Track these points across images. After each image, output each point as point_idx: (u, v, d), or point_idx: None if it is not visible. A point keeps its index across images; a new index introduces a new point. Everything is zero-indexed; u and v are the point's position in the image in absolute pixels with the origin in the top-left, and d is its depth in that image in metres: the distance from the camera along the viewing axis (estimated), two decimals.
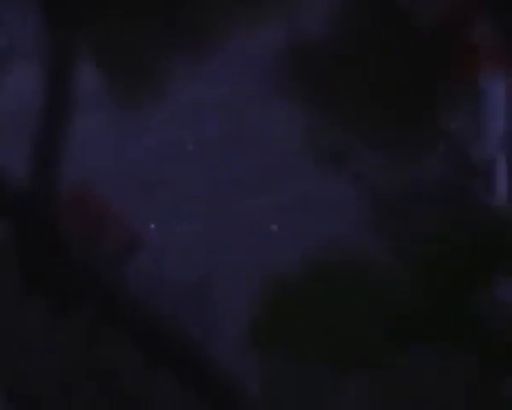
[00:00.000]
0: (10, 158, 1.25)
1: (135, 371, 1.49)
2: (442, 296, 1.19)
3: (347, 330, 1.19)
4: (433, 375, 1.38)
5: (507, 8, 1.17)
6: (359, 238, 1.35)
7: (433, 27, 1.25)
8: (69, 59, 1.27)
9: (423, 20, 1.33)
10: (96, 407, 1.49)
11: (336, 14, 1.30)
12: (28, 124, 1.30)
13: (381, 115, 1.13)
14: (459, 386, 1.37)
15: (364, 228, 1.53)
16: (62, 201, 1.22)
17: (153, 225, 1.79)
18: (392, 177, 1.54)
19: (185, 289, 1.53)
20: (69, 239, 1.21)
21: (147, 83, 1.32)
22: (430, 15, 1.29)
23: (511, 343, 1.37)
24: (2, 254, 1.47)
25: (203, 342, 1.13)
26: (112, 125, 1.26)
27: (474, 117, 1.59)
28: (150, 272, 1.39)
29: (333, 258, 1.08)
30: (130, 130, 1.30)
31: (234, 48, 1.21)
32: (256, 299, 1.11)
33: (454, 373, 1.34)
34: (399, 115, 1.14)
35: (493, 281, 1.28)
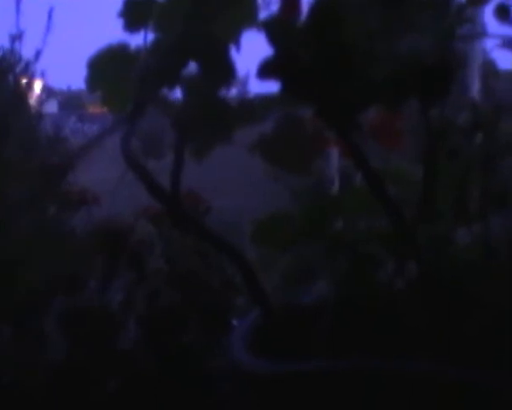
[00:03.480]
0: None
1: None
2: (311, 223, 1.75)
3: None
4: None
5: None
6: (284, 204, 2.03)
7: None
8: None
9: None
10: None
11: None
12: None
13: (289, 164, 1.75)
14: None
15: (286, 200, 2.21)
16: (183, 198, 1.87)
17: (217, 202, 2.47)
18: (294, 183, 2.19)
19: (229, 224, 2.25)
20: (188, 210, 1.85)
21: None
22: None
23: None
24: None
25: (235, 241, 1.78)
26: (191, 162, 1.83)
27: (325, 163, 2.31)
28: (215, 219, 2.09)
29: (280, 211, 1.75)
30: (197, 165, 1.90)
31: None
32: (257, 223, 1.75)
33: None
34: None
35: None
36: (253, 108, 1.71)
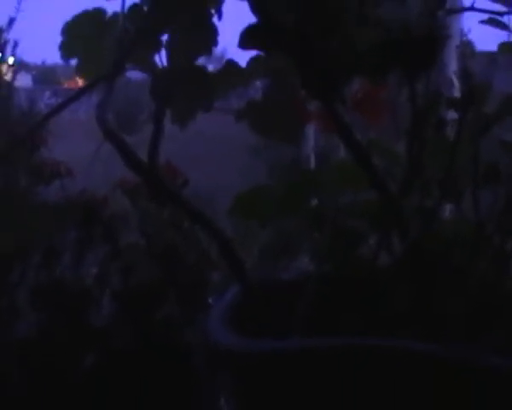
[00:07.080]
0: None
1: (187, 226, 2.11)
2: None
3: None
4: None
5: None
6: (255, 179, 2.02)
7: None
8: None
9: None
10: None
11: None
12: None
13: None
14: None
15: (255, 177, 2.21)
16: (163, 169, 1.81)
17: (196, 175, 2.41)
18: (279, 156, 2.23)
19: (205, 199, 2.20)
20: (166, 183, 1.78)
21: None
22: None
23: None
24: None
25: (212, 216, 1.74)
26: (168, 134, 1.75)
27: (301, 141, 2.28)
28: (194, 194, 2.03)
29: (259, 185, 1.69)
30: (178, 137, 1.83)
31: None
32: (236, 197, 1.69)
33: None
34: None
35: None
36: (238, 71, 1.57)
